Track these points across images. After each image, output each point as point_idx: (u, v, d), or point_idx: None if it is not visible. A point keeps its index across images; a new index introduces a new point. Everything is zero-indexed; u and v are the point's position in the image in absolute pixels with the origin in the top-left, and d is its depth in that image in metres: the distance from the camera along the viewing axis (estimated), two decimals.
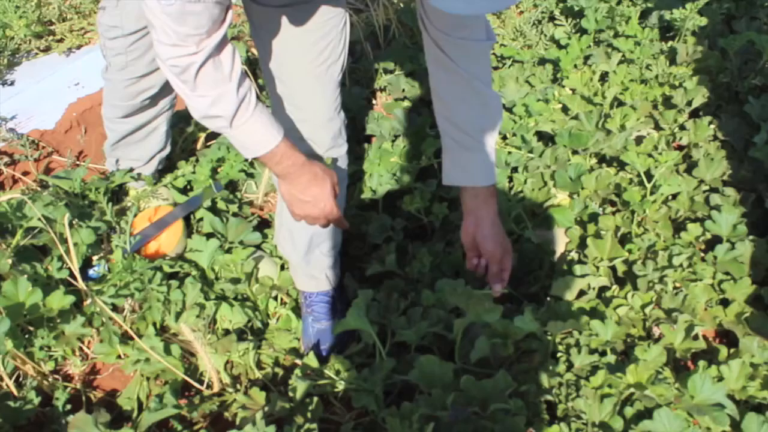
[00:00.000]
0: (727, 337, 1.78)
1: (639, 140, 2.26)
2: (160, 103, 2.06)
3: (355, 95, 2.61)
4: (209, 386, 1.73)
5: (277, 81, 1.61)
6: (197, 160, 2.35)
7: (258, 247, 2.06)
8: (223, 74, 1.28)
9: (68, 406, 1.65)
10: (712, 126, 2.25)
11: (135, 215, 2.03)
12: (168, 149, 2.24)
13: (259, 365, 1.81)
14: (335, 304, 1.91)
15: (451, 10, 1.01)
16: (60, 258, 1.78)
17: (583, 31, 2.78)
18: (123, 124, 2.08)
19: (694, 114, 2.39)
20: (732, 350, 1.63)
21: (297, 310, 1.95)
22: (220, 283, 1.92)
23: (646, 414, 1.44)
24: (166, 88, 2.01)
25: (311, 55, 1.56)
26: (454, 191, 2.11)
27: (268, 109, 1.38)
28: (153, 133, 2.14)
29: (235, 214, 2.16)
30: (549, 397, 1.52)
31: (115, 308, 1.81)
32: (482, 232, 1.59)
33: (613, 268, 1.85)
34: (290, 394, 1.64)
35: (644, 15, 2.83)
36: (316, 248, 1.82)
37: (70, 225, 1.80)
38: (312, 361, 1.72)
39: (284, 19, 1.52)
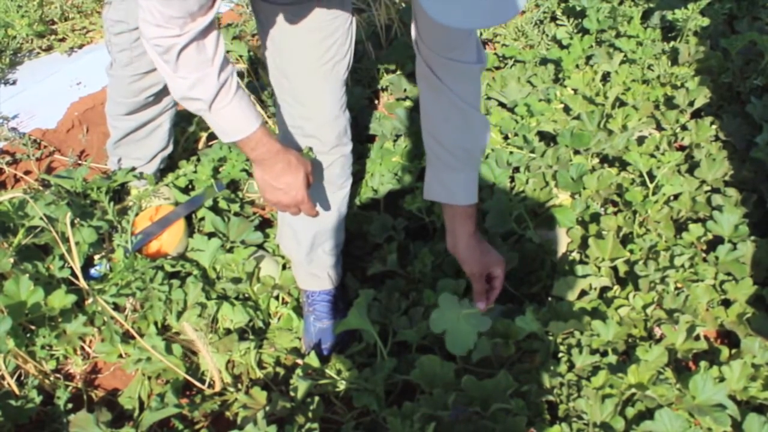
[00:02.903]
0: (729, 338, 1.78)
1: (641, 140, 2.26)
2: (163, 101, 2.06)
3: (357, 95, 2.61)
4: (210, 385, 1.73)
5: (283, 78, 1.62)
6: (199, 160, 2.35)
7: (259, 246, 2.06)
8: (206, 58, 1.29)
9: (69, 405, 1.65)
10: (714, 126, 2.25)
11: (136, 214, 2.03)
12: (170, 148, 2.24)
13: (260, 365, 1.81)
14: (337, 304, 1.91)
15: (448, 23, 1.00)
16: (61, 257, 1.78)
17: (584, 31, 2.78)
18: (126, 122, 2.08)
19: (696, 114, 2.39)
20: (733, 351, 1.63)
21: (298, 309, 1.95)
22: (222, 282, 1.92)
23: (648, 414, 1.44)
24: None
25: (318, 53, 1.57)
26: None
27: (248, 97, 1.40)
28: (156, 131, 2.14)
29: (236, 214, 2.17)
30: (550, 397, 1.52)
31: (116, 307, 1.81)
32: (460, 253, 1.60)
33: (615, 269, 1.85)
34: (291, 393, 1.64)
35: (646, 15, 2.83)
36: (318, 247, 1.82)
37: (72, 224, 1.80)
38: (313, 360, 1.72)
39: (291, 17, 1.52)
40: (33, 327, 1.75)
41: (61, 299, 1.71)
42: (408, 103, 2.58)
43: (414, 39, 1.42)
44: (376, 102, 2.76)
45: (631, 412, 1.47)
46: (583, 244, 1.92)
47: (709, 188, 2.08)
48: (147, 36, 1.26)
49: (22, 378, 1.70)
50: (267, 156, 1.45)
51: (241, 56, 2.81)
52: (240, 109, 1.37)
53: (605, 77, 2.57)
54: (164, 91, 2.02)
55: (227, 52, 2.77)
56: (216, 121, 1.39)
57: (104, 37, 1.92)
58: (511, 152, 2.24)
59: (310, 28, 1.53)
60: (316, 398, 1.59)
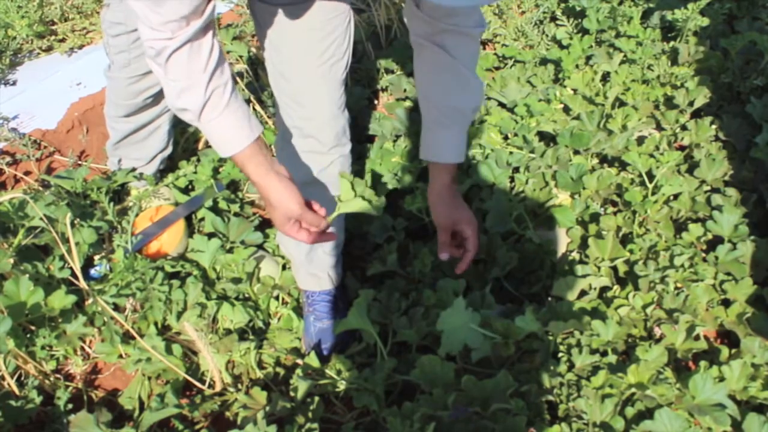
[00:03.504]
0: (729, 338, 1.78)
1: (640, 140, 2.26)
2: (162, 102, 2.06)
3: (357, 95, 2.61)
4: (210, 386, 1.73)
5: (282, 79, 1.62)
6: (199, 160, 2.35)
7: (259, 246, 2.07)
8: (197, 66, 1.27)
9: (70, 406, 1.65)
10: (714, 126, 2.25)
11: (136, 215, 2.03)
12: (170, 149, 2.24)
13: (260, 365, 1.81)
14: (337, 304, 1.91)
15: (447, 3, 1.01)
16: (62, 257, 1.78)
17: (584, 32, 2.78)
18: (125, 123, 2.09)
19: (696, 114, 2.39)
20: (733, 351, 1.63)
21: (298, 309, 1.95)
22: (222, 282, 1.92)
23: (647, 414, 1.44)
24: None
25: (316, 53, 1.56)
26: None
27: (243, 111, 1.35)
28: (155, 132, 2.14)
29: (236, 214, 2.17)
30: (550, 397, 1.52)
31: (116, 308, 1.81)
32: (431, 201, 1.63)
33: (615, 269, 1.85)
34: (291, 393, 1.65)
35: (646, 15, 2.83)
36: (318, 247, 1.82)
37: (72, 224, 1.80)
38: (313, 360, 1.72)
39: (289, 17, 1.52)
40: (33, 327, 1.75)
41: (61, 300, 1.72)
42: (408, 103, 2.58)
43: (407, 10, 1.43)
44: (376, 102, 2.76)
45: (630, 411, 1.47)
46: (583, 244, 1.92)
47: (708, 188, 2.08)
48: (142, 37, 1.26)
49: (22, 378, 1.70)
50: (256, 176, 1.38)
51: (241, 57, 2.81)
52: (229, 124, 1.33)
53: (605, 77, 2.57)
54: (162, 93, 2.02)
55: (227, 52, 2.78)
56: (209, 133, 1.36)
57: (102, 38, 1.92)
58: (510, 152, 2.24)
59: (308, 27, 1.53)
60: (316, 398, 1.59)
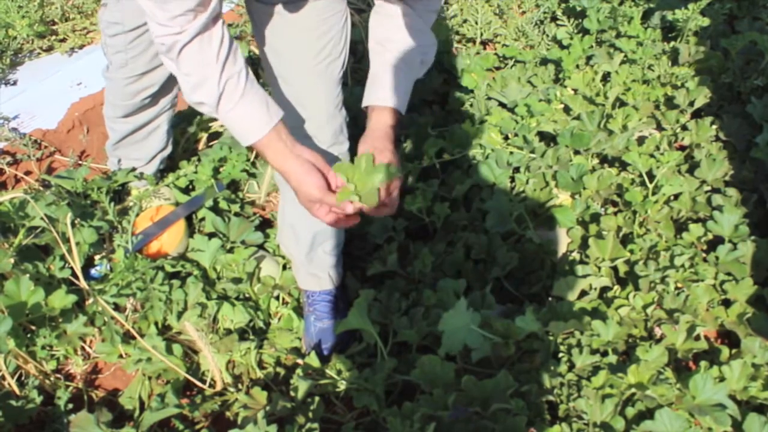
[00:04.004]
0: (729, 338, 1.78)
1: (641, 140, 2.26)
2: (160, 102, 2.06)
3: (357, 95, 2.58)
4: (211, 385, 1.73)
5: (279, 78, 1.62)
6: (199, 160, 2.35)
7: (260, 246, 2.07)
8: (208, 57, 1.28)
9: (70, 405, 1.65)
10: (714, 126, 2.25)
11: (137, 215, 2.03)
12: (170, 149, 2.24)
13: (260, 365, 1.81)
14: (337, 304, 1.91)
15: None
16: (62, 257, 1.78)
17: (585, 32, 2.78)
18: (124, 124, 2.09)
19: (696, 114, 2.39)
20: (734, 351, 1.63)
21: (299, 309, 1.95)
22: (222, 282, 1.92)
23: (648, 414, 1.44)
24: (166, 87, 2.01)
25: (312, 52, 1.57)
26: (456, 191, 2.12)
27: (259, 98, 1.35)
28: (154, 132, 2.14)
29: (237, 214, 2.17)
30: (550, 397, 1.52)
31: (116, 307, 1.81)
32: (370, 136, 1.49)
33: (615, 269, 1.85)
34: (292, 393, 1.65)
35: (646, 15, 2.83)
36: (318, 246, 1.82)
37: (72, 224, 1.80)
38: (313, 360, 1.72)
39: (285, 17, 1.52)
40: (33, 327, 1.75)
41: (62, 299, 1.72)
42: None
43: None
44: None
45: (631, 412, 1.47)
46: (584, 244, 1.92)
47: (709, 188, 2.08)
48: (152, 34, 1.27)
49: (23, 378, 1.70)
50: (276, 163, 1.39)
51: None
52: (247, 113, 1.34)
53: (605, 77, 2.57)
54: (161, 93, 2.02)
55: None
56: (228, 124, 1.37)
57: (100, 39, 1.92)
58: (511, 152, 2.24)
59: (304, 27, 1.53)
60: (317, 398, 1.59)
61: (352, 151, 1.80)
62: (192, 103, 1.35)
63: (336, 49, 1.59)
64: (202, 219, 2.14)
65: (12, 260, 1.77)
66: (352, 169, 1.39)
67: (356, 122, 2.50)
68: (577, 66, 2.62)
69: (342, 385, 1.65)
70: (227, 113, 1.34)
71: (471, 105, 2.53)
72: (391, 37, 1.49)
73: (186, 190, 2.26)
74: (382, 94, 1.50)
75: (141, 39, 1.84)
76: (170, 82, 2.00)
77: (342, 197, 1.35)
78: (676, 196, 2.05)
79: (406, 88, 1.52)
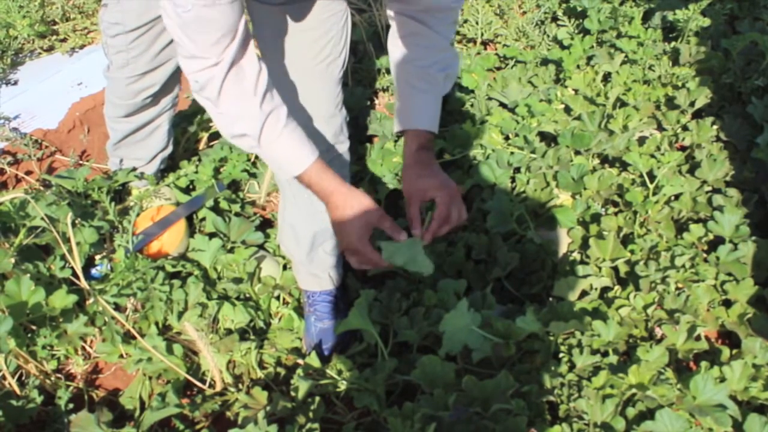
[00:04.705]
0: (730, 338, 1.78)
1: (642, 141, 2.26)
2: (161, 102, 2.06)
3: (358, 95, 2.61)
4: (211, 385, 1.73)
5: (279, 79, 1.62)
6: (200, 160, 2.35)
7: (260, 246, 2.07)
8: (247, 87, 1.27)
9: (70, 405, 1.65)
10: (715, 127, 2.25)
11: (137, 214, 2.03)
12: (170, 148, 2.24)
13: (261, 365, 1.81)
14: (338, 304, 1.91)
15: None
16: (63, 257, 1.78)
17: (585, 32, 2.78)
18: (125, 123, 2.09)
19: (697, 115, 2.39)
20: (734, 351, 1.63)
21: (299, 309, 1.95)
22: (223, 282, 1.92)
23: (648, 414, 1.44)
24: (167, 87, 2.01)
25: (312, 52, 1.57)
26: None
27: (300, 130, 1.36)
28: (155, 132, 2.14)
29: (237, 214, 2.17)
30: (551, 398, 1.52)
31: (117, 307, 1.81)
32: (403, 176, 1.50)
33: (616, 269, 1.85)
34: (292, 393, 1.65)
35: (647, 16, 2.83)
36: (319, 246, 1.82)
37: (73, 224, 1.80)
38: (314, 360, 1.72)
39: (285, 17, 1.52)
40: (34, 327, 1.75)
41: (62, 299, 1.72)
42: None
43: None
44: (377, 102, 2.76)
45: (631, 412, 1.47)
46: (584, 245, 1.92)
47: (710, 188, 2.08)
48: (186, 71, 1.26)
49: (23, 378, 1.70)
50: (321, 196, 1.40)
51: None
52: (290, 141, 1.34)
53: (606, 78, 2.57)
54: (162, 92, 2.02)
55: None
56: (270, 156, 1.36)
57: (101, 39, 1.93)
58: (512, 153, 2.24)
59: (304, 27, 1.53)
60: (317, 398, 1.59)
61: (355, 153, 1.80)
62: (231, 136, 1.33)
63: (336, 49, 1.59)
64: (203, 219, 2.14)
65: (13, 260, 1.77)
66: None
67: (356, 122, 2.51)
68: (578, 66, 2.63)
69: (342, 386, 1.65)
70: (270, 144, 1.33)
71: (472, 105, 2.53)
72: (412, 58, 1.48)
73: (187, 190, 2.27)
74: (413, 118, 1.49)
75: (142, 39, 1.84)
76: (171, 81, 2.00)
77: (387, 256, 1.40)
78: (677, 197, 2.05)
79: (436, 108, 1.52)
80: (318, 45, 1.56)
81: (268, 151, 1.35)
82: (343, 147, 1.73)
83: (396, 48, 1.50)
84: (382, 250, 1.42)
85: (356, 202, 1.38)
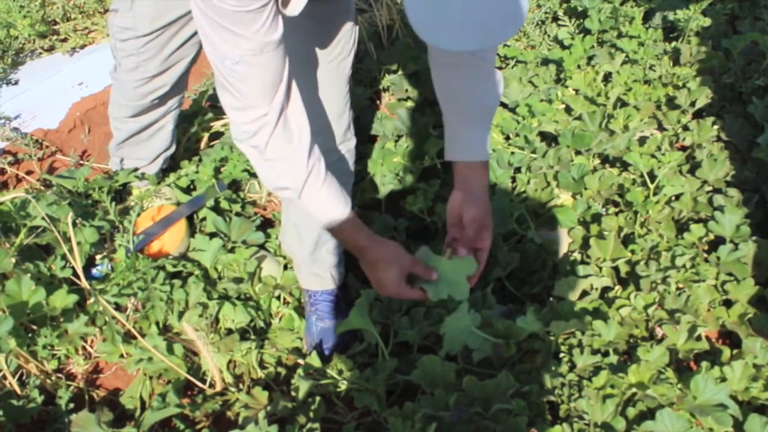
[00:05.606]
0: (730, 338, 1.78)
1: (642, 141, 2.26)
2: (168, 102, 2.06)
3: (359, 95, 2.61)
4: (212, 385, 1.73)
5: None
6: (200, 160, 2.35)
7: (261, 246, 2.07)
8: (293, 141, 1.28)
9: (71, 405, 1.65)
10: (716, 127, 2.25)
11: (138, 214, 2.04)
12: (173, 148, 2.24)
13: (261, 365, 1.81)
14: (339, 303, 1.91)
15: (443, 46, 1.02)
16: (63, 257, 1.78)
17: (586, 32, 2.78)
18: (131, 123, 2.08)
19: (698, 114, 2.39)
20: (735, 351, 1.63)
21: (300, 309, 1.95)
22: (223, 282, 1.92)
23: (649, 414, 1.44)
24: (176, 88, 2.00)
25: (324, 52, 1.58)
26: None
27: (336, 182, 1.38)
28: (159, 131, 2.14)
29: (238, 214, 2.17)
30: (551, 398, 1.52)
31: (118, 307, 1.81)
32: (467, 202, 1.51)
33: (616, 269, 1.85)
34: (293, 393, 1.65)
35: (648, 15, 2.83)
36: (322, 246, 1.82)
37: (74, 224, 1.80)
38: (314, 360, 1.72)
39: (298, 20, 1.52)
40: (35, 327, 1.75)
41: (63, 299, 1.72)
42: (409, 103, 2.58)
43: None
44: (378, 102, 2.76)
45: (632, 412, 1.47)
46: (585, 245, 1.92)
47: (710, 188, 2.08)
48: (236, 121, 1.25)
49: (24, 378, 1.70)
50: (353, 249, 1.44)
51: None
52: (328, 196, 1.36)
53: (607, 77, 2.57)
54: (169, 93, 2.01)
55: None
56: (306, 206, 1.38)
57: (110, 42, 1.91)
58: (512, 153, 2.24)
59: (317, 29, 1.54)
60: (318, 398, 1.59)
61: (356, 153, 1.80)
62: (273, 188, 1.35)
63: (346, 48, 1.60)
64: (204, 219, 2.14)
65: (13, 260, 1.77)
66: (438, 262, 1.45)
67: (357, 122, 2.50)
68: (579, 66, 2.62)
69: (343, 385, 1.65)
70: (309, 198, 1.35)
71: None
72: (464, 88, 1.47)
73: (187, 190, 2.27)
74: (470, 150, 1.50)
75: (153, 43, 1.83)
76: (181, 82, 1.99)
77: (433, 296, 1.42)
78: (678, 197, 2.05)
79: (486, 136, 1.52)
80: (330, 45, 1.57)
81: (306, 203, 1.37)
82: (350, 144, 1.75)
83: (445, 78, 1.48)
84: (426, 291, 1.48)
85: (388, 252, 1.43)
